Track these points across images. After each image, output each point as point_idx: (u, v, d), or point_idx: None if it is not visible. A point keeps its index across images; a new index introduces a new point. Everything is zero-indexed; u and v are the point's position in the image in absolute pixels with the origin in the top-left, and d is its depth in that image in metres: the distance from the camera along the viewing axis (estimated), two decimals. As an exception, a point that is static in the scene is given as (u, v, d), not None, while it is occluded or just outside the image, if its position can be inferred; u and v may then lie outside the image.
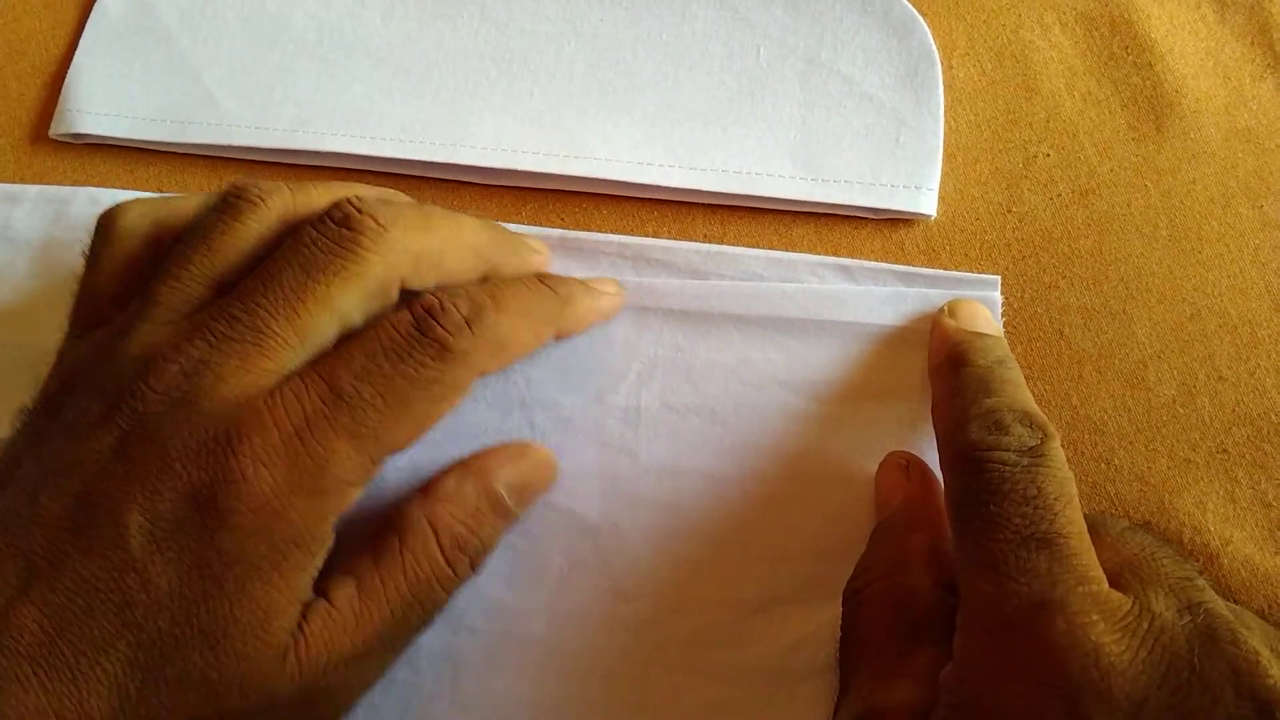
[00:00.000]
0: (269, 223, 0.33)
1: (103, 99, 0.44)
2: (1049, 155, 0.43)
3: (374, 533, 0.33)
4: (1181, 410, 0.39)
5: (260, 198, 0.33)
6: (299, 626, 0.30)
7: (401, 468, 0.37)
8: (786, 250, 0.41)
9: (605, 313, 0.39)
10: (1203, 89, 0.44)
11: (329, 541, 0.31)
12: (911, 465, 0.37)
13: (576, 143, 0.43)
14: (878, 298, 0.39)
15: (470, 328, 0.32)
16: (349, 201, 0.33)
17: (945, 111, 0.43)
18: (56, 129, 0.44)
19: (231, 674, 0.29)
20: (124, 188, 0.43)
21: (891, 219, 0.42)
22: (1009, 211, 0.42)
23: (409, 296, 0.33)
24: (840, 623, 0.34)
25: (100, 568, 0.28)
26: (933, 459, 0.37)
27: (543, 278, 0.36)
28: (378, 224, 0.32)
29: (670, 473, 0.38)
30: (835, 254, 0.41)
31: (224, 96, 0.43)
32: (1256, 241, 0.41)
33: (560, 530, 0.37)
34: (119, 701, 0.28)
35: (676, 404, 0.38)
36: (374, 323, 0.32)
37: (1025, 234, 0.42)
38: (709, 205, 0.42)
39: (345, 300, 0.31)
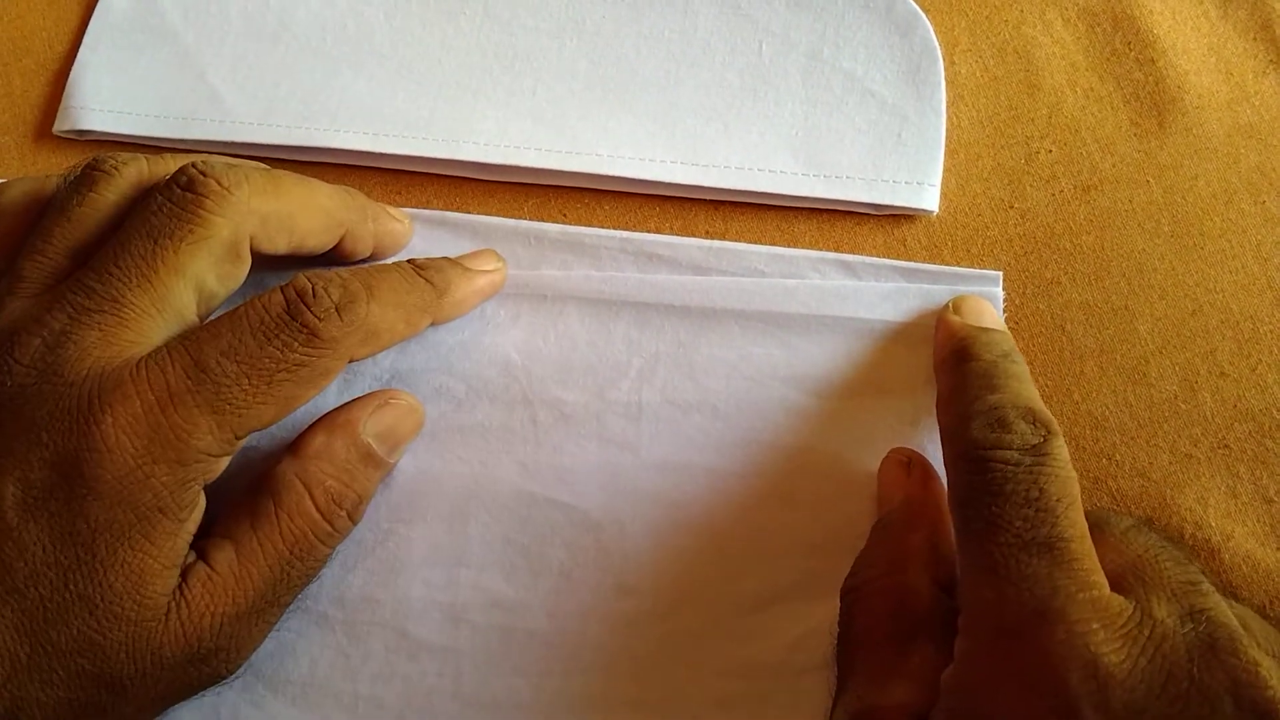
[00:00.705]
0: (123, 191, 0.33)
1: (107, 96, 0.43)
2: (1051, 151, 0.42)
3: (248, 495, 0.33)
4: (1183, 406, 0.38)
5: (115, 168, 0.34)
6: (180, 590, 0.30)
7: (407, 475, 0.37)
8: (789, 246, 0.41)
9: (486, 292, 0.38)
10: (1205, 85, 0.43)
11: (199, 506, 0.31)
12: (913, 462, 0.36)
13: (579, 139, 0.42)
14: (879, 293, 0.38)
15: (340, 315, 0.32)
16: (193, 165, 0.33)
17: (947, 108, 0.42)
18: (60, 126, 0.43)
19: (116, 637, 0.29)
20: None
21: (894, 215, 0.41)
22: (1011, 207, 0.41)
23: (271, 270, 0.34)
24: (840, 618, 0.34)
25: None
26: (934, 455, 0.36)
27: (420, 266, 0.36)
28: (221, 186, 0.32)
29: (672, 468, 0.37)
30: (837, 249, 0.41)
31: (228, 93, 0.43)
32: (1258, 237, 0.40)
33: (562, 525, 0.36)
34: (10, 669, 0.28)
35: (678, 400, 0.38)
36: (245, 302, 0.32)
37: (1027, 230, 0.41)
38: (711, 201, 0.42)
39: (196, 264, 0.32)
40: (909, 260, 0.40)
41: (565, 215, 0.42)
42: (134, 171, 0.34)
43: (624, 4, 0.44)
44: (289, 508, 0.33)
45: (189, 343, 0.30)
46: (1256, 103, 0.43)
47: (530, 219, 0.41)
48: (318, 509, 0.33)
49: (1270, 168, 0.41)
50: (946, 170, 0.42)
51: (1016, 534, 0.28)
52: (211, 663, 0.32)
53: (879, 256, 0.40)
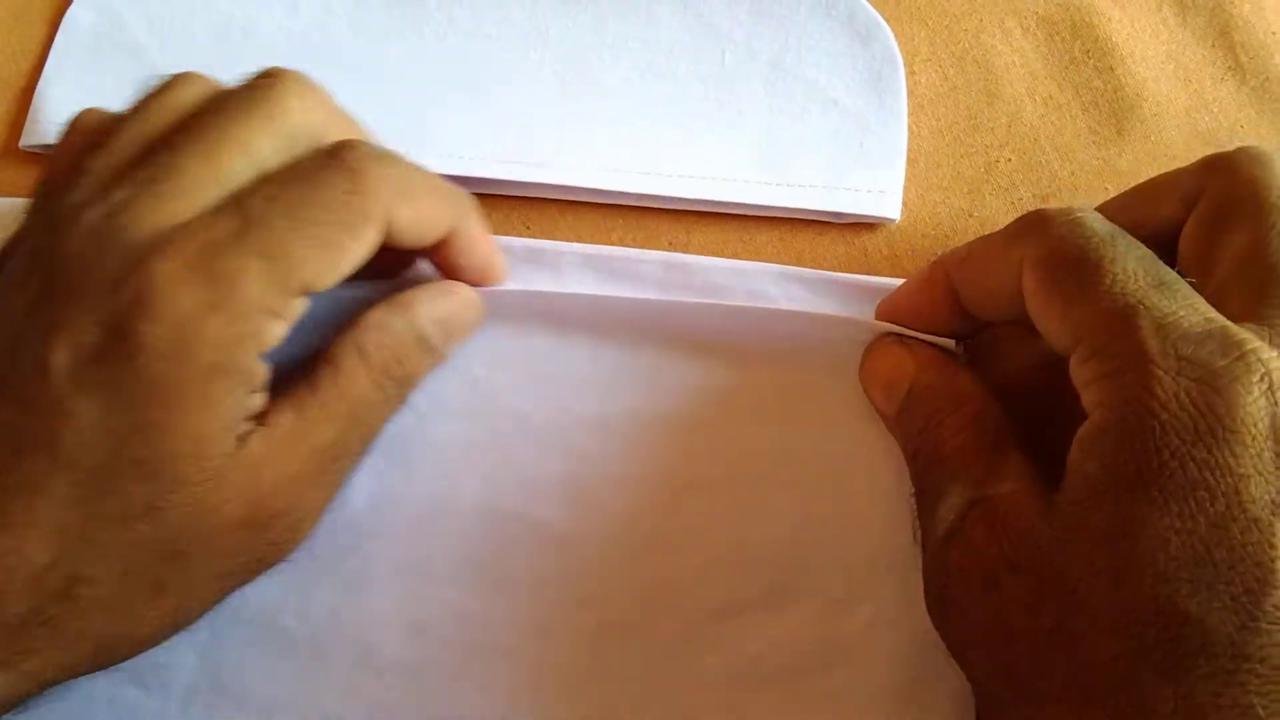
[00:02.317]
0: (198, 95, 0.32)
1: (73, 110, 0.41)
2: (1010, 160, 0.41)
3: (305, 367, 0.31)
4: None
5: (195, 76, 0.32)
6: (239, 450, 0.28)
7: (370, 489, 0.35)
8: (751, 257, 0.39)
9: (498, 263, 0.36)
10: (1163, 92, 0.42)
11: (258, 375, 0.29)
12: (903, 339, 0.34)
13: (543, 149, 0.40)
14: (840, 313, 0.36)
15: (379, 162, 0.30)
16: (274, 68, 0.32)
17: (907, 117, 0.41)
18: (27, 140, 0.41)
19: (175, 500, 0.27)
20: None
21: (855, 223, 0.40)
22: (970, 216, 0.40)
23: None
24: (919, 465, 0.32)
25: (24, 410, 0.27)
26: (893, 469, 0.35)
27: None
28: (296, 80, 0.31)
29: (635, 482, 0.35)
30: (799, 259, 0.39)
31: None
32: (1216, 244, 0.39)
33: (526, 539, 0.35)
34: (62, 543, 0.26)
35: (641, 414, 0.36)
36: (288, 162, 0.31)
37: (987, 238, 0.40)
38: (674, 211, 0.40)
39: (261, 143, 0.30)
40: (870, 270, 0.39)
41: (529, 228, 0.40)
42: (212, 84, 0.32)
43: (587, 13, 0.42)
44: (347, 371, 0.31)
45: (234, 198, 0.29)
46: (1215, 110, 0.42)
47: (494, 231, 0.39)
48: (371, 376, 0.31)
49: None
50: (906, 180, 0.40)
51: None
52: (274, 529, 0.30)
53: (841, 266, 0.39)
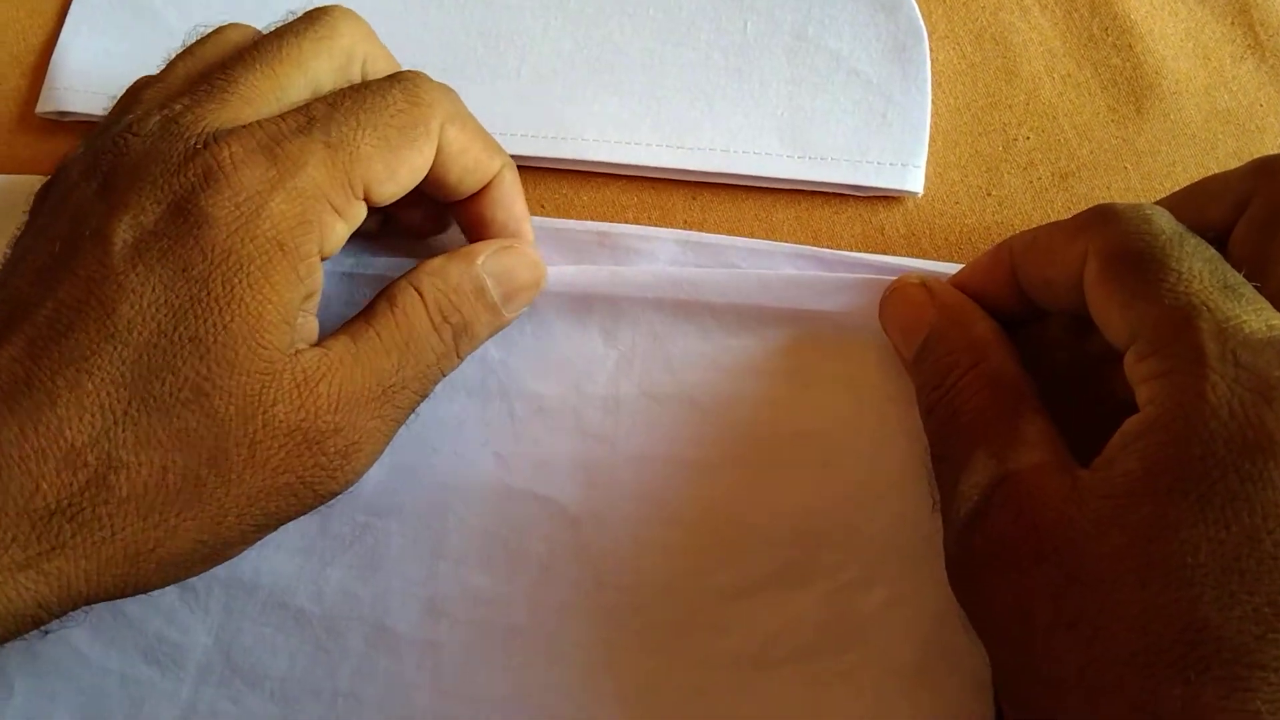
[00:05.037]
0: (249, 33, 0.31)
1: (89, 77, 0.37)
2: (1029, 138, 0.37)
3: (365, 307, 0.29)
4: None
5: (245, 25, 0.31)
6: (294, 357, 0.26)
7: (385, 468, 0.32)
8: (767, 234, 0.35)
9: (529, 227, 0.33)
10: (1182, 70, 0.38)
11: (316, 273, 0.27)
12: (924, 281, 0.31)
13: (563, 122, 0.36)
14: (854, 287, 0.33)
15: (438, 89, 0.30)
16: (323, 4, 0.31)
17: (929, 93, 0.37)
18: (43, 107, 0.37)
19: (226, 386, 0.25)
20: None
21: (875, 198, 0.36)
22: (989, 195, 0.37)
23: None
24: (935, 423, 0.29)
25: (81, 287, 0.25)
26: (907, 447, 0.32)
27: None
28: (346, 10, 0.30)
29: (649, 460, 0.32)
30: (816, 237, 0.35)
31: None
32: (1235, 225, 0.36)
33: (540, 518, 0.32)
34: (103, 423, 0.24)
35: (655, 392, 0.33)
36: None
37: (1005, 217, 0.36)
38: (690, 186, 0.36)
39: (317, 63, 0.29)
40: (887, 248, 0.35)
41: (543, 206, 0.36)
42: (258, 30, 0.31)
43: (607, -16, 0.39)
44: (403, 307, 0.29)
45: (298, 106, 0.28)
46: (1234, 88, 0.38)
47: None
48: (428, 315, 0.29)
49: (1247, 153, 0.36)
50: (925, 157, 0.36)
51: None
52: (325, 449, 0.27)
53: (858, 243, 0.35)
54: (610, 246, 0.34)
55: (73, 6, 0.39)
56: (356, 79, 0.30)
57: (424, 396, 0.30)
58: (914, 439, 0.32)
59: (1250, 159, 0.29)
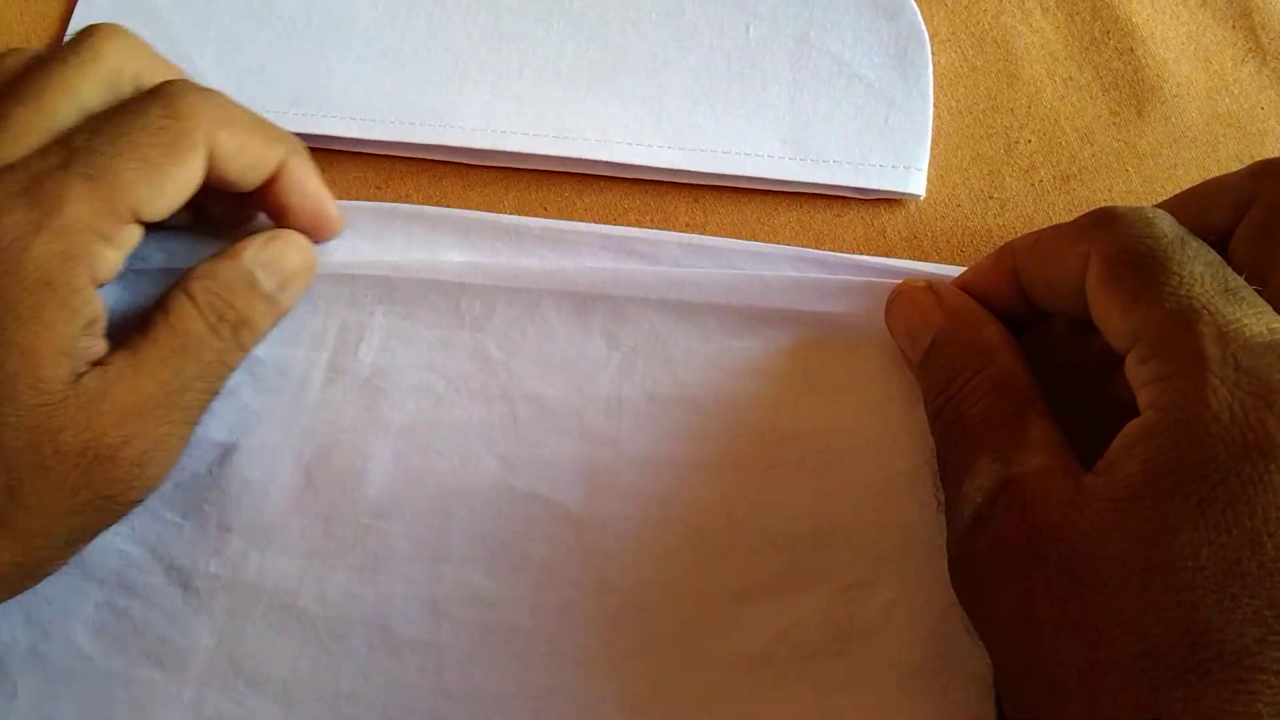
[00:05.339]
0: (21, 58, 0.30)
1: None
2: (1030, 141, 0.37)
3: (140, 319, 0.29)
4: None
5: (17, 49, 0.31)
6: (76, 384, 0.27)
7: (388, 470, 0.32)
8: (769, 237, 0.35)
9: (329, 205, 0.33)
10: (1184, 73, 0.38)
11: (92, 303, 0.27)
12: (931, 284, 0.31)
13: (566, 123, 0.36)
14: (856, 289, 0.33)
15: (199, 95, 0.29)
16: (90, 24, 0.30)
17: (930, 95, 0.37)
18: None
19: (10, 422, 0.26)
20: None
21: (876, 201, 0.36)
22: (990, 198, 0.37)
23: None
24: (941, 426, 0.29)
25: None
26: (911, 448, 0.32)
27: None
28: (113, 27, 0.30)
29: (652, 462, 0.32)
30: (818, 240, 0.35)
31: (215, 78, 0.37)
32: (1236, 228, 0.36)
33: (543, 520, 0.31)
34: None
35: (657, 394, 0.32)
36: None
37: (1007, 220, 0.36)
38: (693, 187, 0.36)
39: (83, 86, 0.29)
40: (889, 251, 0.35)
41: (546, 209, 0.36)
42: (32, 51, 0.31)
43: (610, -13, 0.39)
44: (176, 313, 0.29)
45: (60, 136, 0.28)
46: (1235, 91, 0.38)
47: (511, 211, 0.35)
48: (201, 316, 0.30)
49: (1249, 156, 0.36)
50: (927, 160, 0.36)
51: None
52: (118, 463, 0.28)
53: (860, 246, 0.35)
54: (613, 249, 0.34)
55: (76, 11, 0.39)
56: (128, 95, 0.30)
57: (214, 394, 0.31)
58: (917, 440, 0.32)
59: (1251, 162, 0.29)
